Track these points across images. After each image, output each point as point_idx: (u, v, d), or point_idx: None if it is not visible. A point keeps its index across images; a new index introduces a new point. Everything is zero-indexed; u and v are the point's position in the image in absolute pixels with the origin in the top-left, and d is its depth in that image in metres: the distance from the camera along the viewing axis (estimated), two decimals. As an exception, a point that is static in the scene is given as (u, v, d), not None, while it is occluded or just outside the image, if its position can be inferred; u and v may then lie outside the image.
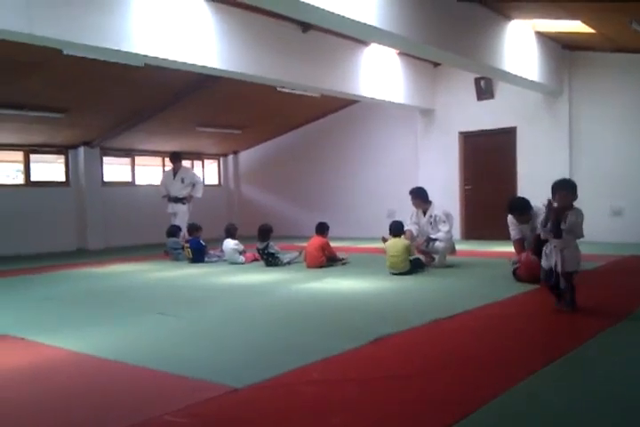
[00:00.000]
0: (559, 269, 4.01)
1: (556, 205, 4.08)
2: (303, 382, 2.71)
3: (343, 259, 7.45)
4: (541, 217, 4.30)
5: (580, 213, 4.06)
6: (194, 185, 9.76)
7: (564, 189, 4.11)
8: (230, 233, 8.16)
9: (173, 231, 9.08)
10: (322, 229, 7.47)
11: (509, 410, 2.31)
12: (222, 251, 8.22)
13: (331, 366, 2.95)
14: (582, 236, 4.06)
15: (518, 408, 2.33)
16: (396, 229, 6.48)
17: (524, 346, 3.29)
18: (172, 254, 8.82)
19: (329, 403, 2.44)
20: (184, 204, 9.67)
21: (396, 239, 6.37)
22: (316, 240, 7.28)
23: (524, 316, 4.12)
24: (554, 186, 4.16)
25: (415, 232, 6.90)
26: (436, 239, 6.75)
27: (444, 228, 6.74)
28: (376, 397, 2.49)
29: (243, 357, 3.23)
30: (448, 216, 6.85)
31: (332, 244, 7.44)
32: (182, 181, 9.70)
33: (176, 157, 9.90)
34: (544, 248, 4.21)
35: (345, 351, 3.19)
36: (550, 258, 4.12)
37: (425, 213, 6.92)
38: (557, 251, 4.03)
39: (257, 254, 7.84)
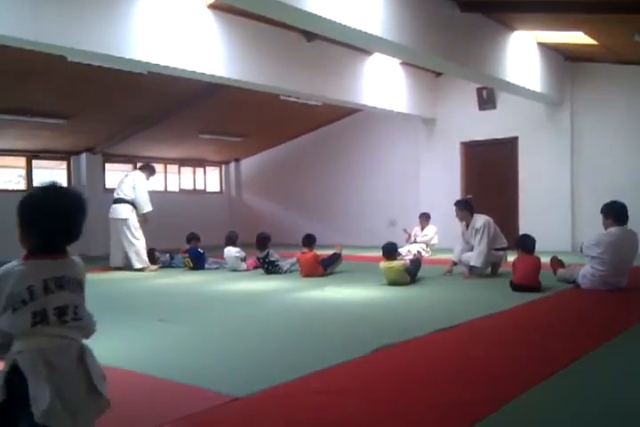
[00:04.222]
0: None
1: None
2: (305, 391, 2.69)
3: (338, 254, 7.50)
4: None
5: None
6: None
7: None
8: (231, 240, 8.13)
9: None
10: (309, 241, 7.31)
11: (516, 421, 2.30)
12: (224, 258, 8.19)
13: (332, 376, 2.93)
14: None
15: (522, 420, 2.32)
16: (390, 251, 6.34)
17: (525, 357, 3.28)
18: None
19: (330, 413, 2.42)
20: None
21: (391, 262, 6.23)
22: (307, 256, 7.18)
23: (525, 325, 4.11)
24: None
25: (460, 252, 6.92)
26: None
27: (475, 243, 6.72)
28: (377, 407, 2.47)
29: (244, 365, 3.21)
30: (484, 226, 6.71)
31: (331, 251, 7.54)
32: None
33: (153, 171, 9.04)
34: None
35: (346, 361, 3.17)
36: None
37: (468, 226, 6.91)
38: None
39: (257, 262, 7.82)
